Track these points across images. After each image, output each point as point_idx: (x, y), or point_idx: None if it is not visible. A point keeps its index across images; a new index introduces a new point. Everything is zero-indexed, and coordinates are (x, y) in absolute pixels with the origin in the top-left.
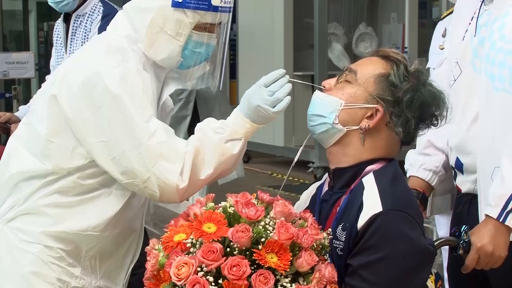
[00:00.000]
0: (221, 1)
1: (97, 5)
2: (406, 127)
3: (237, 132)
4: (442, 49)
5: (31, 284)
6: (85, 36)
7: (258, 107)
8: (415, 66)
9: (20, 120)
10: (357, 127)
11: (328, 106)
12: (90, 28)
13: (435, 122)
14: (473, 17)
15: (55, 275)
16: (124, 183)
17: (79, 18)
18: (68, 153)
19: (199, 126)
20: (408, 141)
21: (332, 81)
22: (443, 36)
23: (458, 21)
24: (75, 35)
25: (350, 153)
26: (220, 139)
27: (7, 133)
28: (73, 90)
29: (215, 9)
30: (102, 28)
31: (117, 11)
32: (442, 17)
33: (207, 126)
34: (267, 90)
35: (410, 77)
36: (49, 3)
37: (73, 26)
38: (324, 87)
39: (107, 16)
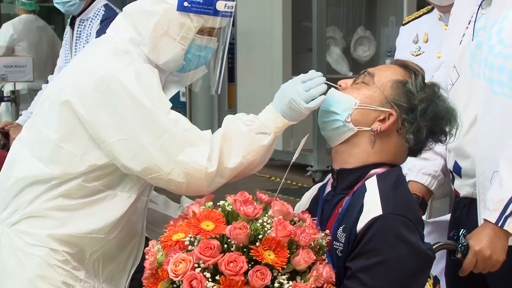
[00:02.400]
0: (225, 6)
1: (100, 9)
2: (417, 135)
3: (267, 127)
4: (417, 55)
5: (37, 287)
6: (87, 40)
7: (292, 100)
8: (432, 80)
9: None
10: (368, 129)
11: (342, 103)
12: (90, 32)
13: (443, 138)
14: (470, 21)
15: (61, 278)
16: (148, 178)
17: (83, 22)
18: (77, 159)
19: (228, 117)
20: (416, 151)
21: (349, 81)
22: (415, 42)
23: (454, 25)
24: (79, 39)
25: (357, 154)
26: (249, 130)
27: (6, 138)
28: (87, 92)
29: (219, 13)
30: (100, 32)
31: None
32: (405, 22)
33: (236, 117)
34: (303, 85)
35: (427, 88)
36: (55, 4)
37: (77, 30)
38: (340, 86)
39: (106, 20)
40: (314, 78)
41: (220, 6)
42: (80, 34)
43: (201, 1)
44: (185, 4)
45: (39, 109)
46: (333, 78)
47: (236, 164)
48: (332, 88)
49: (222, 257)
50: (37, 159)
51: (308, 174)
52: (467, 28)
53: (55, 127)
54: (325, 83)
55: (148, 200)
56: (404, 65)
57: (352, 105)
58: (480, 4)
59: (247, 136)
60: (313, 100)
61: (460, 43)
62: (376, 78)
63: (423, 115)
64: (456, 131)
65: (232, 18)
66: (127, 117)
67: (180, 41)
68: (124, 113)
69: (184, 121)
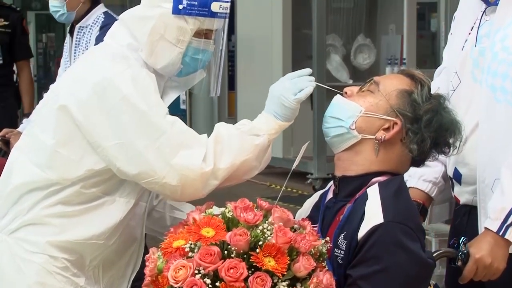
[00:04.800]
0: (220, 7)
1: (99, 16)
2: (421, 146)
3: (259, 129)
4: None
5: None
6: (86, 47)
7: (280, 96)
8: (438, 91)
9: None
10: (372, 137)
11: (347, 110)
12: (90, 39)
13: (447, 150)
14: (473, 27)
15: (60, 285)
16: (143, 182)
17: (82, 29)
18: (74, 164)
19: (219, 123)
20: (419, 162)
21: (355, 89)
22: None
23: (457, 30)
24: (78, 47)
25: (360, 162)
26: (240, 132)
27: (7, 145)
28: (84, 97)
29: (214, 15)
30: (99, 38)
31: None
32: None
33: (227, 124)
34: (290, 81)
35: (433, 99)
36: (51, 12)
37: (77, 37)
38: (346, 93)
39: (105, 27)
40: (301, 76)
41: (215, 7)
42: (79, 41)
43: (196, 3)
44: (180, 7)
45: (37, 116)
46: (333, 86)
47: (228, 164)
48: (338, 95)
49: (222, 263)
50: (34, 165)
51: (308, 181)
52: (469, 34)
53: (52, 132)
54: (330, 89)
55: (147, 206)
56: (411, 75)
57: (357, 113)
58: (484, 11)
59: (238, 137)
60: (301, 91)
61: (462, 49)
62: (382, 87)
63: (428, 125)
64: (459, 144)
65: (227, 20)
66: (123, 121)
67: (177, 44)
68: (120, 117)
69: (180, 123)
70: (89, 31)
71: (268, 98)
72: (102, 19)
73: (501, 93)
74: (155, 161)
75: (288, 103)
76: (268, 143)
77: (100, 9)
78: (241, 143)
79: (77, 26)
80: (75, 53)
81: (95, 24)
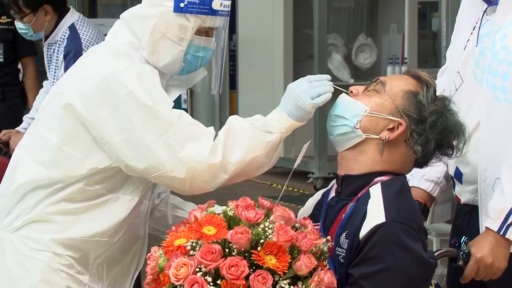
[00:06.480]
0: (221, 5)
1: (65, 33)
2: (425, 147)
3: (272, 126)
4: None
5: None
6: (57, 67)
7: (297, 97)
8: (443, 93)
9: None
10: (376, 137)
11: (352, 109)
12: (58, 58)
13: (450, 152)
14: (475, 27)
15: (65, 283)
16: (152, 177)
17: (51, 46)
18: (79, 162)
19: (233, 116)
20: (422, 163)
21: (360, 88)
22: None
23: (459, 30)
24: (51, 63)
25: (363, 161)
26: (253, 127)
27: (7, 146)
28: (89, 94)
29: (215, 13)
30: (67, 67)
31: (81, 44)
32: None
33: (241, 117)
34: (309, 84)
35: (438, 101)
36: (19, 33)
37: (47, 54)
38: (351, 92)
39: (68, 55)
40: (321, 80)
41: (216, 5)
42: (50, 58)
43: (197, 1)
44: (182, 5)
45: (40, 115)
46: (335, 85)
47: (239, 158)
48: (343, 94)
49: (223, 261)
50: (38, 164)
51: (310, 181)
52: (471, 33)
53: (57, 130)
54: (334, 87)
55: (150, 205)
56: (417, 76)
57: (362, 112)
58: (485, 10)
59: (251, 132)
60: (318, 96)
61: (464, 49)
62: (387, 87)
63: (432, 127)
64: (463, 146)
65: (228, 18)
66: (129, 117)
67: (178, 42)
68: (126, 112)
69: (186, 116)
70: (57, 49)
71: (284, 96)
72: (66, 41)
73: (501, 92)
74: (163, 154)
75: (304, 105)
76: (279, 141)
77: (66, 22)
78: (254, 139)
79: (46, 43)
80: (49, 69)
81: (62, 42)
